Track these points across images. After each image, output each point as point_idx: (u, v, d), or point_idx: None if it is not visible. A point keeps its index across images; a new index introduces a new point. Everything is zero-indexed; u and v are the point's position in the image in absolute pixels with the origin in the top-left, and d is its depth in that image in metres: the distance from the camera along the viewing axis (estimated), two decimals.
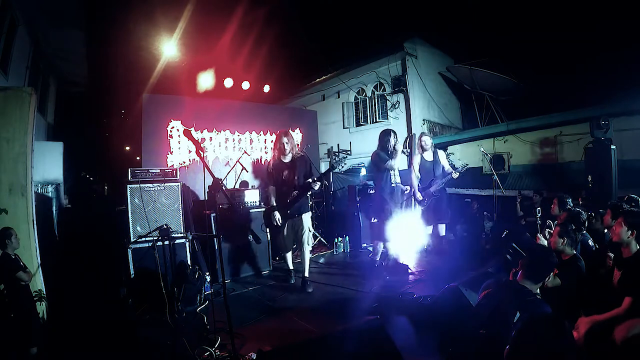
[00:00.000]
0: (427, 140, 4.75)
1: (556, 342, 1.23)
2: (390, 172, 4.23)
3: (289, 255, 4.06)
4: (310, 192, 3.74)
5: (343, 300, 3.47)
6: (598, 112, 5.41)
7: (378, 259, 4.47)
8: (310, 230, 3.92)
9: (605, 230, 2.96)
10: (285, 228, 3.82)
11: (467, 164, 4.60)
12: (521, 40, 8.40)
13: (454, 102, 10.09)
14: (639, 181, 4.93)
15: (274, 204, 3.77)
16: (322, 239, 6.07)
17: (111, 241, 4.63)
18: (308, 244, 3.91)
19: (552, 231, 2.67)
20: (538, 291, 1.99)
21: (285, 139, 3.73)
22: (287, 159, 3.80)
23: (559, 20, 7.74)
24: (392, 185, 4.24)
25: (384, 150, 4.25)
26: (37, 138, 3.35)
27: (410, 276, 4.17)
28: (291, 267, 4.09)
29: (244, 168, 5.61)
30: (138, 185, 3.70)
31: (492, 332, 1.80)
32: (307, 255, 3.91)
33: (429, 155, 4.71)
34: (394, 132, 4.35)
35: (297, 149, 3.86)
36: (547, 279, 2.07)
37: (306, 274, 3.88)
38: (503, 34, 8.40)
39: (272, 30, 8.32)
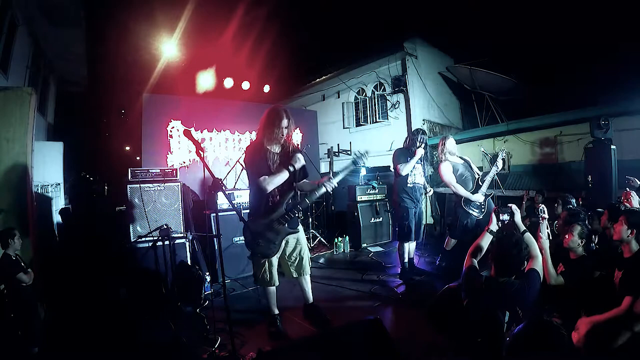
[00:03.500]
0: (453, 143, 3.97)
1: (553, 346, 1.23)
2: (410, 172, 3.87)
3: (272, 291, 2.81)
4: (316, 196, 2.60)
5: (343, 300, 3.48)
6: (598, 112, 5.41)
7: (407, 260, 4.04)
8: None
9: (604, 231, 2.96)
10: (279, 250, 2.67)
11: (504, 150, 4.02)
12: (521, 40, 8.40)
13: (454, 102, 10.09)
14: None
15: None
16: (322, 239, 6.07)
17: (111, 241, 4.63)
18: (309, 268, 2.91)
19: (549, 231, 2.65)
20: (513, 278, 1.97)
21: (285, 122, 2.52)
22: (278, 148, 2.63)
23: (559, 20, 7.73)
24: (410, 185, 3.89)
25: (408, 150, 3.92)
26: (37, 138, 3.36)
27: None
28: (276, 310, 2.84)
29: (244, 168, 5.61)
30: (138, 185, 3.71)
31: (487, 337, 1.80)
32: (309, 279, 2.96)
33: (457, 159, 4.00)
34: (425, 134, 3.93)
35: (292, 134, 2.65)
36: (522, 267, 2.02)
37: (311, 299, 2.96)
38: (503, 34, 8.40)
39: (272, 30, 8.32)
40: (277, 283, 2.78)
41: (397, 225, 4.05)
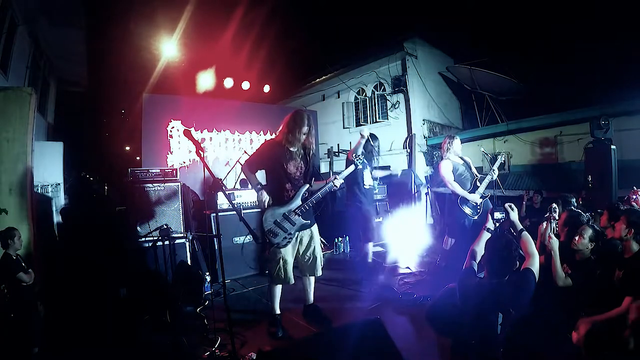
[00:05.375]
0: (459, 143, 4.02)
1: (549, 341, 1.23)
2: (364, 172, 4.15)
3: (279, 291, 2.84)
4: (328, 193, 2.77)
5: (343, 300, 3.47)
6: (598, 112, 5.42)
7: (370, 260, 4.32)
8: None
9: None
10: (295, 244, 2.76)
11: (504, 154, 4.19)
12: (521, 40, 8.40)
13: (454, 102, 10.09)
14: (639, 181, 4.94)
15: (258, 181, 2.78)
16: (322, 239, 6.06)
17: (111, 241, 4.63)
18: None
19: (550, 232, 2.64)
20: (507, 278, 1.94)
21: (305, 128, 2.70)
22: (295, 147, 2.77)
23: (560, 21, 7.74)
24: (365, 187, 4.13)
25: (364, 152, 4.11)
26: (37, 138, 3.35)
27: (411, 276, 4.18)
28: (278, 310, 2.84)
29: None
30: (138, 185, 3.70)
31: (480, 339, 1.79)
32: (314, 280, 3.00)
33: (458, 159, 4.01)
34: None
35: (312, 141, 2.84)
36: (515, 268, 2.00)
37: (312, 300, 3.01)
38: (503, 33, 8.40)
39: (272, 30, 8.33)
40: (292, 281, 2.78)
41: (361, 227, 4.21)
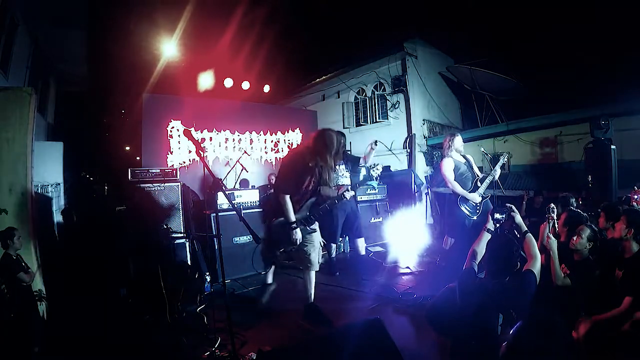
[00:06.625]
0: (460, 141, 4.00)
1: (552, 344, 1.23)
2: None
3: (270, 272, 3.28)
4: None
5: (343, 300, 3.47)
6: (598, 112, 5.42)
7: (334, 255, 4.61)
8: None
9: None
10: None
11: (506, 155, 4.18)
12: (521, 41, 8.40)
13: (454, 102, 10.09)
14: (639, 181, 4.94)
15: (294, 219, 2.75)
16: (322, 239, 6.05)
17: (111, 241, 4.63)
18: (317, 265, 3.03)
19: (548, 232, 2.64)
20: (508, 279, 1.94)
21: (334, 150, 2.71)
22: (312, 162, 2.75)
23: (560, 21, 7.74)
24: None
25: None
26: (37, 138, 3.35)
27: (411, 276, 4.18)
28: (270, 280, 3.27)
29: (243, 168, 5.61)
30: (138, 185, 3.71)
31: (480, 340, 1.79)
32: (313, 276, 3.04)
33: (460, 157, 3.98)
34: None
35: (338, 159, 2.92)
36: (516, 268, 2.00)
37: (312, 298, 3.02)
38: (503, 34, 8.40)
39: (272, 30, 8.33)
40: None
41: (329, 226, 4.31)
